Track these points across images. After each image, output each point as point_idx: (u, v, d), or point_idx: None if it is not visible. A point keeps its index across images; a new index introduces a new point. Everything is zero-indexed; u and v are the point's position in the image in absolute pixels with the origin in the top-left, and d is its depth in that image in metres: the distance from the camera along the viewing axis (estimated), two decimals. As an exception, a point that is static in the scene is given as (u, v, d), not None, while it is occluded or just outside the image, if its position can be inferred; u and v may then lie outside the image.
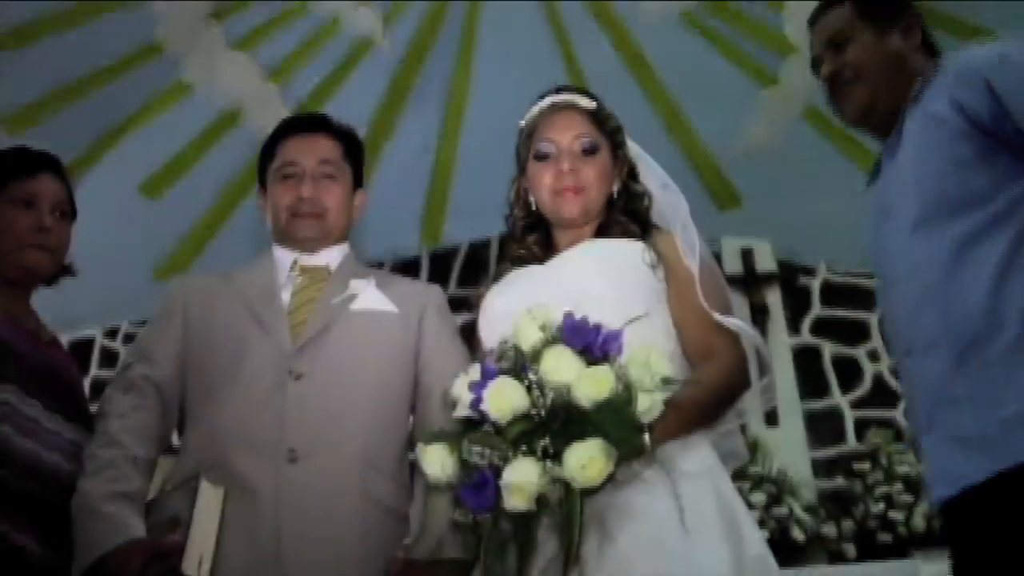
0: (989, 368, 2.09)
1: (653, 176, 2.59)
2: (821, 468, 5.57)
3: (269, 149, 2.74)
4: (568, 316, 2.06)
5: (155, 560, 2.19)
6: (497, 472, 1.96)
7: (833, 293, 6.05)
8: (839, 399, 5.78)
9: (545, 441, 1.96)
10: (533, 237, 2.57)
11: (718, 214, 5.80)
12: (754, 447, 5.22)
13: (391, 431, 2.50)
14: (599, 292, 2.25)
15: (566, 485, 1.94)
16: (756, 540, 2.15)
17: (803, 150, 5.53)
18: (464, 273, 6.25)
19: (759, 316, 5.77)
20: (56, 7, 4.72)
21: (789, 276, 6.00)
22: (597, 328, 2.06)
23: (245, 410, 2.40)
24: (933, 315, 2.19)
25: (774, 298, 5.90)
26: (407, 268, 6.09)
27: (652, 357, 2.02)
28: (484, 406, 2.00)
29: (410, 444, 2.53)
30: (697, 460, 2.17)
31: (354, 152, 2.77)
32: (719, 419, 2.30)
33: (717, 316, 2.30)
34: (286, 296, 2.59)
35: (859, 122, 2.49)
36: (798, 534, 5.03)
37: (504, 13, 5.46)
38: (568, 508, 1.97)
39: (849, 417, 5.74)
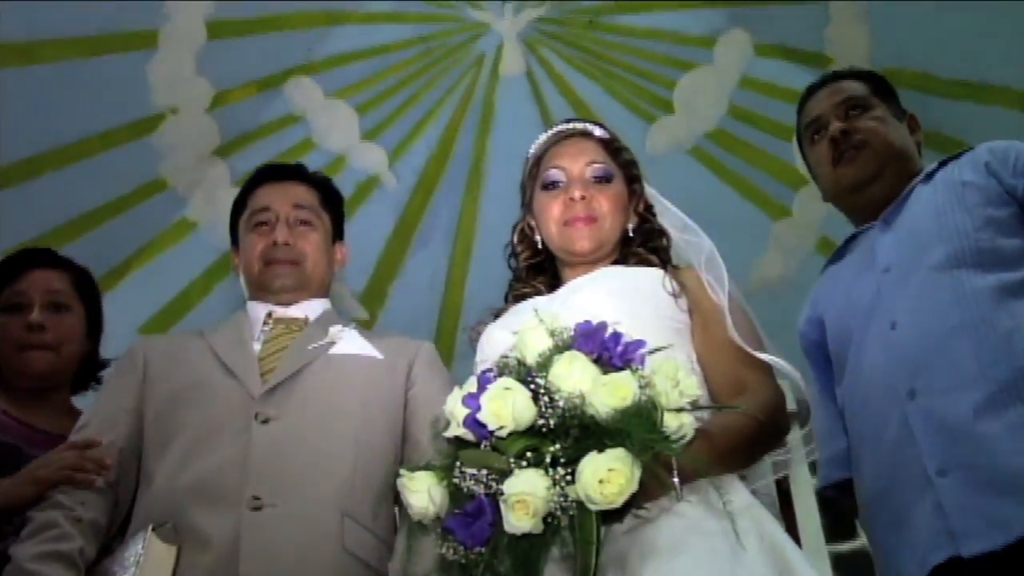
0: None
1: (671, 218, 2.39)
2: (851, 614, 5.29)
3: (241, 201, 2.59)
4: (583, 323, 1.82)
5: None
6: (495, 499, 1.66)
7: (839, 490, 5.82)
8: (867, 541, 5.53)
9: (555, 447, 1.66)
10: (540, 278, 2.35)
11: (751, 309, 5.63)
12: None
13: (373, 482, 2.25)
14: (615, 319, 1.93)
15: (580, 506, 1.64)
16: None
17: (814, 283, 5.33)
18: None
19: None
20: (58, 142, 4.68)
21: (810, 413, 5.83)
22: (616, 335, 1.78)
23: (205, 460, 2.18)
24: (967, 355, 2.05)
25: (795, 436, 5.71)
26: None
27: (680, 372, 1.74)
28: (482, 415, 1.71)
29: (397, 499, 2.30)
30: (733, 497, 1.85)
31: (332, 201, 2.62)
32: (753, 459, 2.04)
33: (750, 350, 2.08)
34: (257, 347, 2.40)
35: (856, 189, 2.42)
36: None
37: (512, 149, 5.39)
38: (582, 534, 1.65)
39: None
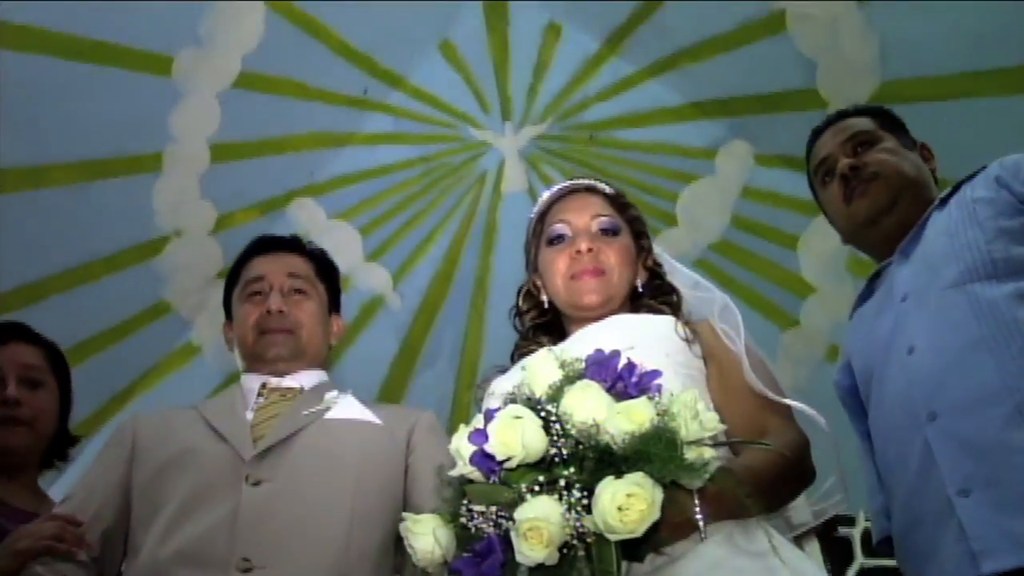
0: None
1: (681, 276, 2.32)
2: None
3: (234, 273, 2.54)
4: (596, 351, 1.73)
5: None
6: (505, 537, 1.56)
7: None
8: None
9: (569, 471, 1.57)
10: (547, 338, 2.27)
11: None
12: None
13: (369, 548, 2.15)
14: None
15: (598, 538, 1.53)
16: None
17: (828, 392, 5.27)
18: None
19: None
20: (63, 266, 4.68)
21: (827, 526, 5.73)
22: (631, 365, 1.69)
23: (193, 524, 2.08)
24: (988, 368, 1.98)
25: (813, 550, 5.61)
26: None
27: (700, 405, 1.65)
28: (490, 445, 1.61)
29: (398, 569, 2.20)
30: (758, 539, 1.77)
31: (327, 272, 2.57)
32: (780, 501, 1.95)
33: (770, 394, 1.99)
34: (250, 415, 2.32)
35: (872, 222, 2.37)
36: None
37: (516, 266, 5.39)
38: (601, 565, 1.54)
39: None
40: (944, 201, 2.31)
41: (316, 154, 5.20)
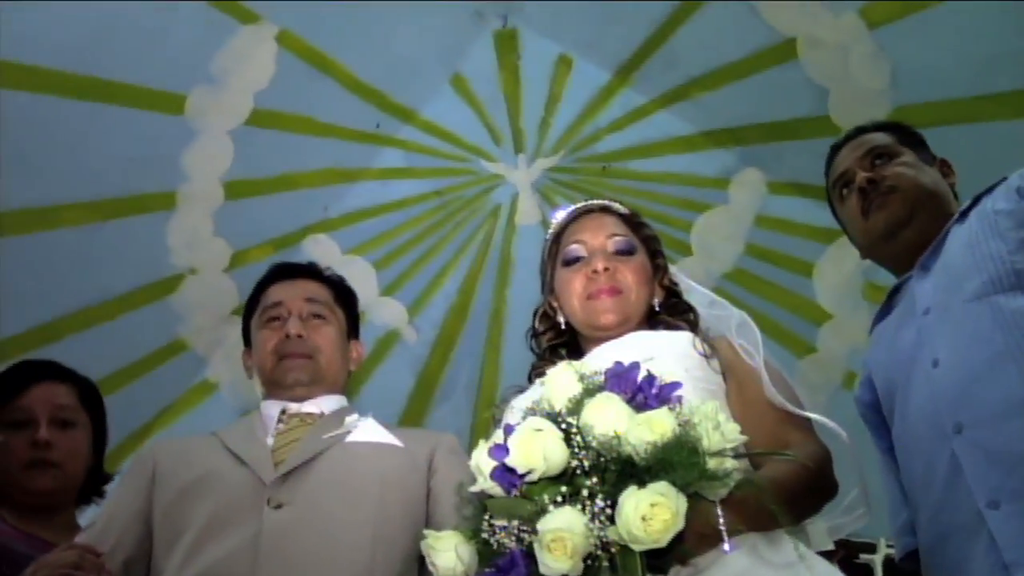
0: None
1: (697, 295, 2.33)
2: None
3: (253, 301, 2.55)
4: (615, 363, 1.72)
5: None
6: (528, 551, 1.56)
7: (898, 570, 5.66)
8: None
9: (592, 481, 1.56)
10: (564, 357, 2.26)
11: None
12: None
13: (394, 567, 2.18)
14: None
15: (623, 549, 1.53)
16: None
17: (846, 418, 5.23)
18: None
19: None
20: (78, 305, 4.70)
21: (848, 554, 5.69)
22: (651, 377, 1.69)
23: (215, 548, 2.10)
24: (1013, 379, 1.98)
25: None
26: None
27: (721, 416, 1.65)
28: (511, 459, 1.61)
29: None
30: (786, 550, 1.78)
31: (345, 298, 2.57)
32: (804, 513, 1.95)
33: (791, 407, 1.98)
34: (270, 440, 2.32)
35: (890, 235, 2.37)
36: None
37: (531, 298, 5.39)
38: (627, 573, 1.54)
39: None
40: (964, 214, 2.30)
41: (329, 190, 5.21)
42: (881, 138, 2.51)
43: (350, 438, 2.33)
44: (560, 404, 1.73)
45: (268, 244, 5.14)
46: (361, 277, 5.34)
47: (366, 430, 2.37)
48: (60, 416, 2.62)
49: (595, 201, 2.44)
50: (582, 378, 1.76)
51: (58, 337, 4.66)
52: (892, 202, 2.38)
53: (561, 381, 1.76)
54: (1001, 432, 2.00)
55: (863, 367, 2.54)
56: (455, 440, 2.44)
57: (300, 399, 2.42)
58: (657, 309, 2.30)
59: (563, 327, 2.32)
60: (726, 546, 1.67)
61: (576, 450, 1.63)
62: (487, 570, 1.66)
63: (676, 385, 1.74)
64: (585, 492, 1.59)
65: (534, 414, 1.74)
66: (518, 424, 1.72)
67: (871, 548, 5.74)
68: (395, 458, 2.32)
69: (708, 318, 2.32)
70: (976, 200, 2.33)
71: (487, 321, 5.55)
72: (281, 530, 2.13)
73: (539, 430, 1.65)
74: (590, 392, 1.72)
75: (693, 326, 2.26)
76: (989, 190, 2.32)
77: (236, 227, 4.99)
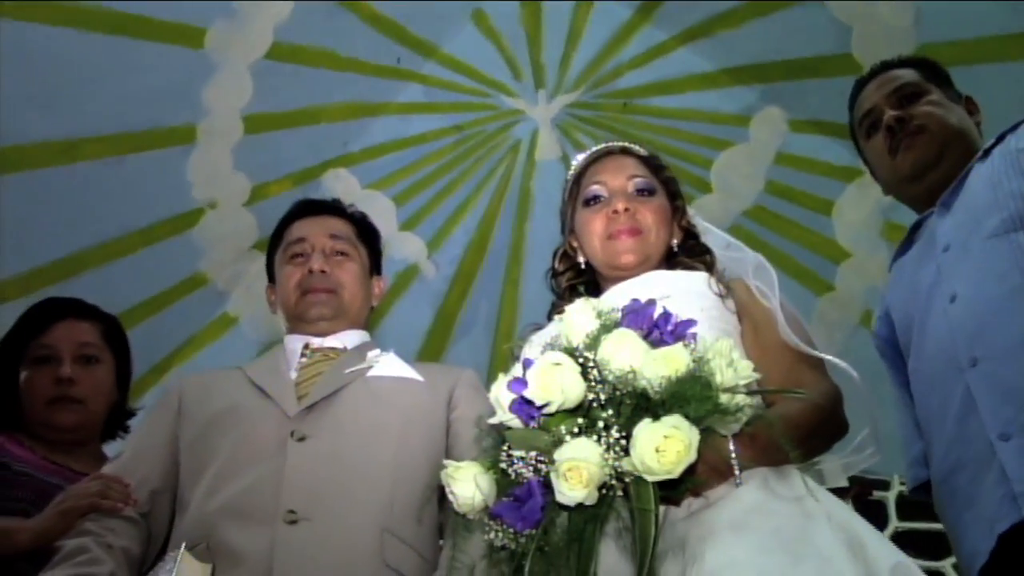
0: None
1: (714, 238, 2.35)
2: None
3: (277, 236, 2.57)
4: (633, 301, 1.75)
5: None
6: (545, 481, 1.60)
7: (910, 506, 5.70)
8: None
9: (607, 413, 1.60)
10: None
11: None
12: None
13: (414, 499, 2.19)
14: None
15: (636, 478, 1.56)
16: (888, 552, 1.74)
17: (864, 356, 5.23)
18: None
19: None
20: (99, 239, 4.73)
21: (862, 491, 5.72)
22: (667, 314, 1.73)
23: (240, 478, 2.15)
24: None
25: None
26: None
27: (735, 353, 1.68)
28: (529, 391, 1.64)
29: (440, 530, 2.23)
30: (794, 484, 1.79)
31: (368, 235, 2.59)
32: (815, 450, 1.99)
33: (805, 348, 2.01)
34: (294, 374, 2.37)
35: (917, 176, 2.36)
36: None
37: (550, 235, 5.39)
38: (640, 503, 1.57)
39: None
40: (987, 152, 2.29)
41: (349, 124, 5.20)
42: (908, 75, 2.48)
43: (372, 373, 2.36)
44: (578, 339, 1.74)
45: (288, 178, 5.15)
46: (381, 212, 5.35)
47: (388, 365, 2.41)
48: (83, 353, 2.65)
49: (615, 143, 2.44)
50: (600, 314, 1.78)
51: (79, 271, 4.69)
52: (920, 143, 2.36)
53: (579, 317, 1.78)
54: (1015, 366, 2.01)
55: (881, 302, 2.54)
56: (475, 375, 2.47)
57: (323, 334, 2.46)
58: (675, 250, 2.31)
59: (583, 267, 2.33)
60: (738, 479, 1.70)
61: (593, 384, 1.65)
62: (505, 499, 1.68)
63: (691, 322, 1.76)
64: (601, 424, 1.61)
65: (553, 349, 1.75)
66: (537, 358, 1.74)
67: (885, 485, 5.78)
68: (416, 392, 2.36)
69: (724, 260, 2.34)
70: (1000, 138, 2.31)
71: (506, 257, 5.56)
72: (304, 461, 2.18)
73: (557, 364, 1.67)
74: (607, 328, 1.73)
75: (710, 267, 2.28)
76: (1014, 128, 2.30)
77: (256, 161, 4.99)
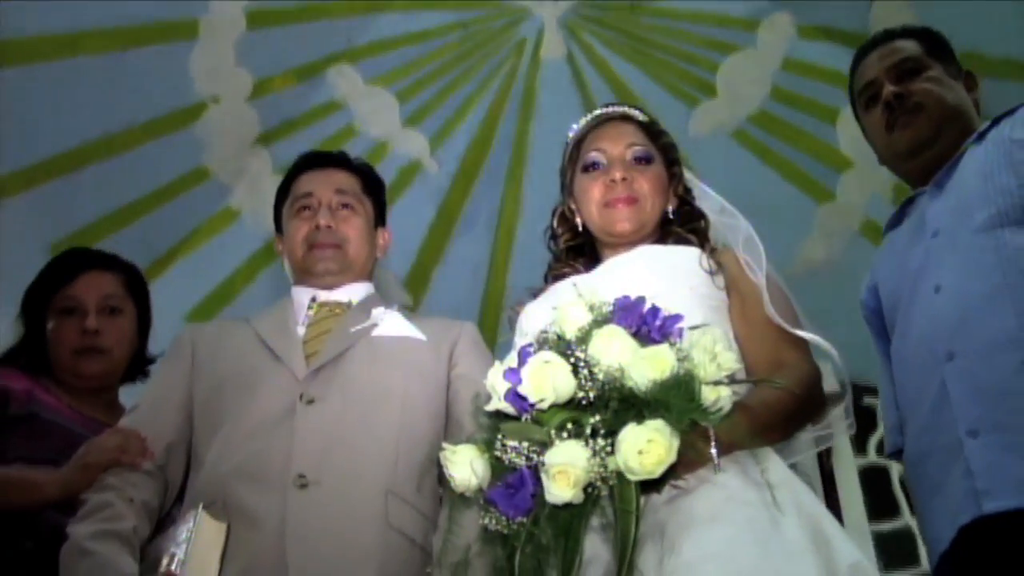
0: None
1: (709, 201, 2.40)
2: (893, 592, 5.24)
3: (284, 189, 2.62)
4: (622, 297, 1.83)
5: None
6: (536, 471, 1.69)
7: (900, 413, 5.78)
8: (909, 519, 5.47)
9: (595, 419, 1.69)
10: (580, 260, 2.37)
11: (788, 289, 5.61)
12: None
13: (417, 460, 2.29)
14: (652, 296, 1.95)
15: (619, 476, 1.66)
16: (849, 550, 1.83)
17: (862, 266, 5.26)
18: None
19: (823, 436, 5.58)
20: (102, 132, 4.72)
21: (853, 396, 5.80)
22: (655, 309, 1.80)
23: (251, 441, 2.24)
24: (1007, 314, 2.05)
25: (836, 413, 5.68)
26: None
27: (718, 346, 1.76)
28: (522, 388, 1.73)
29: (440, 476, 2.31)
30: (771, 470, 1.87)
31: (373, 187, 2.64)
32: (790, 434, 2.06)
33: (788, 327, 2.08)
34: (301, 330, 2.44)
35: (913, 154, 2.38)
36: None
37: (552, 133, 5.39)
38: (622, 503, 1.68)
39: (920, 538, 5.44)
40: (982, 136, 2.29)
41: (353, 20, 5.15)
42: (910, 48, 2.45)
43: (376, 332, 2.42)
44: (571, 332, 1.79)
45: (291, 73, 5.13)
46: (384, 108, 5.36)
47: (392, 324, 2.46)
48: (108, 304, 2.74)
49: (615, 108, 2.45)
50: (592, 308, 1.82)
51: (81, 165, 4.72)
52: (917, 121, 2.36)
53: (572, 310, 1.84)
54: (988, 364, 2.04)
55: (871, 272, 2.56)
56: (475, 330, 2.52)
57: (329, 287, 2.52)
58: (671, 216, 2.34)
59: (580, 229, 2.36)
60: (717, 465, 1.77)
61: (583, 382, 1.71)
62: (499, 484, 1.74)
63: (678, 318, 1.81)
64: (588, 430, 1.66)
65: (547, 337, 1.81)
66: (532, 348, 1.80)
67: (874, 392, 5.84)
68: (418, 352, 2.42)
69: (718, 224, 2.37)
70: (996, 121, 2.31)
71: (509, 155, 5.55)
72: (313, 424, 2.24)
73: (548, 362, 1.73)
74: (598, 323, 1.78)
75: (702, 238, 2.31)
76: (1009, 112, 2.29)
77: (259, 56, 4.97)
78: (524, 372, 1.76)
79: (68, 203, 4.77)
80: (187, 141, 4.97)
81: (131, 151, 4.81)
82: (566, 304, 1.87)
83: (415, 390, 2.37)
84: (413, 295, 5.64)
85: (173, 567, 2.07)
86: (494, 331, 5.89)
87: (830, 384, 5.68)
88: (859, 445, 5.65)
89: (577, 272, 2.34)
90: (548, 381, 1.72)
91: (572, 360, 1.75)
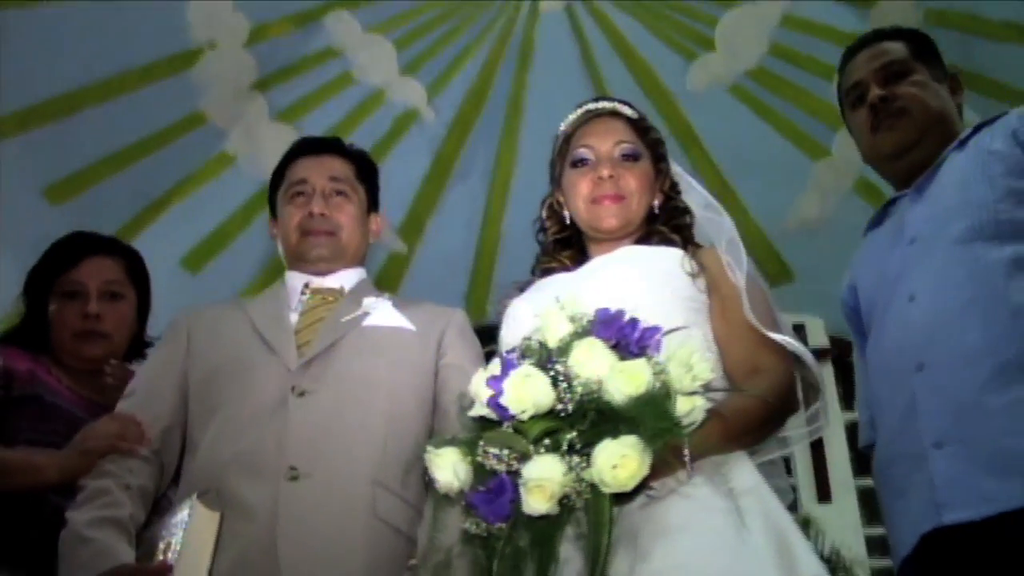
0: None
1: (695, 195, 2.42)
2: (876, 547, 5.32)
3: (278, 175, 2.65)
4: (603, 309, 1.87)
5: None
6: (516, 477, 1.73)
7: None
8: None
9: (572, 435, 1.74)
10: (567, 252, 2.42)
11: (769, 290, 5.63)
12: (806, 524, 5.05)
13: (404, 450, 2.28)
14: (634, 299, 1.97)
15: (594, 489, 1.71)
16: (810, 561, 1.87)
17: (855, 223, 5.27)
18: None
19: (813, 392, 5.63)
20: (99, 76, 4.73)
21: (842, 352, 5.84)
22: (634, 321, 1.83)
23: (245, 431, 2.27)
24: (976, 329, 2.08)
25: (826, 374, 5.73)
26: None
27: (694, 357, 1.79)
28: (504, 399, 1.77)
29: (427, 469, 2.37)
30: (741, 477, 1.93)
31: (367, 173, 2.67)
32: (763, 439, 2.09)
33: (765, 331, 2.13)
34: (294, 317, 2.48)
35: (895, 156, 2.40)
36: (850, 614, 4.83)
37: (549, 84, 5.41)
38: (595, 515, 1.72)
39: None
40: (963, 143, 2.32)
41: (353, -35, 5.15)
42: (898, 51, 2.47)
43: (367, 322, 2.45)
44: (553, 341, 1.87)
45: (288, 19, 5.13)
46: (381, 55, 5.36)
47: (382, 314, 2.49)
48: (109, 290, 2.77)
49: (605, 104, 2.47)
50: (573, 319, 1.88)
51: (77, 108, 4.73)
52: (901, 125, 2.38)
53: (554, 322, 1.89)
54: (956, 378, 2.08)
55: (850, 270, 2.59)
56: (464, 318, 2.56)
57: (322, 273, 2.55)
58: (656, 212, 2.38)
59: (568, 222, 2.41)
60: (689, 472, 1.84)
61: (561, 394, 1.76)
62: (480, 489, 1.80)
63: (656, 329, 1.86)
64: (565, 446, 1.73)
65: (529, 345, 1.88)
66: (515, 356, 1.89)
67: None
68: (407, 342, 2.45)
69: (702, 220, 2.40)
70: (977, 128, 2.34)
71: (505, 106, 5.56)
72: (305, 417, 2.28)
73: (528, 376, 1.79)
74: (579, 335, 1.84)
75: (686, 237, 2.35)
76: (990, 121, 2.32)
77: (256, 2, 4.97)
78: (505, 384, 1.80)
79: (64, 146, 4.79)
80: (183, 86, 4.98)
81: (127, 95, 4.82)
82: (549, 314, 1.92)
83: (404, 381, 2.41)
84: (407, 243, 5.67)
85: (168, 556, 2.12)
86: (488, 278, 5.94)
87: (821, 339, 5.75)
88: (846, 401, 5.71)
89: (564, 267, 2.38)
90: (528, 394, 1.76)
91: (552, 373, 1.79)
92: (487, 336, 6.26)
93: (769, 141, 5.39)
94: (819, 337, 5.82)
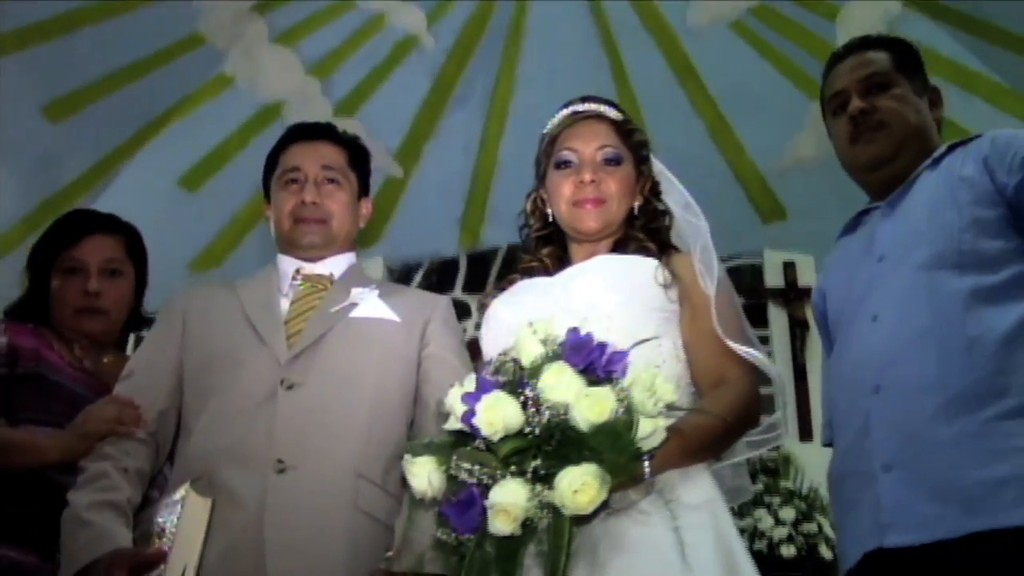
0: (987, 426, 2.05)
1: (675, 195, 2.47)
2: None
3: (273, 159, 2.69)
4: (573, 331, 1.95)
5: (138, 570, 2.14)
6: (485, 491, 1.83)
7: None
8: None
9: (537, 462, 1.84)
10: (547, 250, 2.45)
11: (762, 226, 5.69)
12: (786, 462, 5.13)
13: (386, 442, 2.39)
14: (607, 309, 2.10)
15: (555, 511, 1.81)
16: None
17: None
18: (502, 275, 6.13)
19: (799, 330, 5.68)
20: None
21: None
22: (602, 346, 1.92)
23: (236, 422, 2.33)
24: (931, 358, 2.12)
25: (780, 323, 5.81)
26: (445, 268, 6.06)
27: (657, 381, 1.87)
28: (476, 420, 1.87)
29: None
30: (697, 491, 2.03)
31: (359, 160, 2.71)
32: (723, 451, 2.19)
33: (731, 344, 2.20)
34: (285, 304, 2.54)
35: (870, 169, 2.43)
36: (826, 552, 4.89)
37: (550, 14, 5.40)
38: (555, 536, 1.83)
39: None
40: (937, 162, 2.34)
41: None
42: (881, 62, 2.47)
43: (354, 313, 2.50)
44: (527, 360, 1.94)
45: (289, -60, 5.11)
46: (383, -21, 5.35)
47: (369, 305, 2.55)
48: (109, 267, 2.82)
49: (590, 107, 2.51)
50: (544, 343, 1.95)
51: (76, 26, 4.72)
52: (879, 139, 2.40)
53: (528, 344, 1.96)
54: (908, 405, 2.11)
55: (822, 275, 2.63)
56: (448, 307, 2.62)
57: (313, 259, 2.60)
58: (635, 214, 2.44)
59: (550, 220, 2.46)
60: (649, 487, 1.94)
61: (530, 417, 1.85)
62: (451, 499, 1.89)
63: (623, 355, 1.92)
64: (530, 474, 1.82)
65: (504, 362, 1.96)
66: (488, 372, 1.98)
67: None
68: (393, 334, 2.52)
69: (681, 221, 2.45)
70: (952, 148, 2.36)
71: (505, 34, 5.55)
72: (293, 410, 2.35)
73: (499, 399, 1.87)
74: (550, 358, 1.92)
75: (663, 241, 2.40)
76: (964, 143, 2.34)
77: (258, -75, 4.95)
78: (478, 407, 1.88)
79: (63, 64, 4.79)
80: (183, 7, 4.97)
81: (126, 15, 4.80)
82: (524, 336, 1.99)
83: (388, 373, 2.48)
84: (404, 166, 5.68)
85: (163, 541, 2.20)
86: (483, 206, 5.97)
87: (810, 277, 5.76)
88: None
89: (544, 268, 2.44)
90: (499, 417, 1.85)
91: (522, 399, 1.87)
92: (479, 262, 6.31)
93: (768, 79, 5.39)
94: (809, 275, 5.86)
